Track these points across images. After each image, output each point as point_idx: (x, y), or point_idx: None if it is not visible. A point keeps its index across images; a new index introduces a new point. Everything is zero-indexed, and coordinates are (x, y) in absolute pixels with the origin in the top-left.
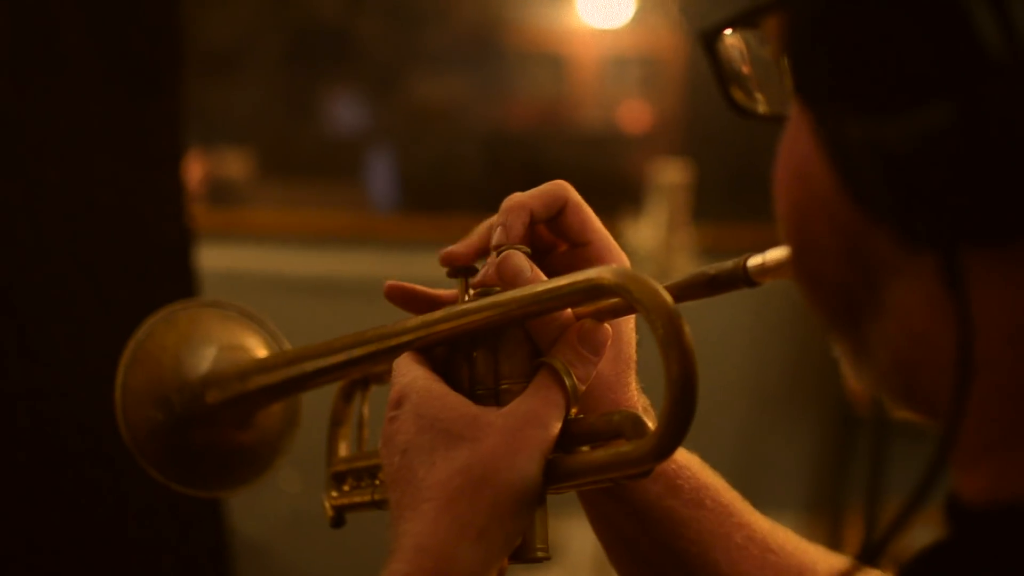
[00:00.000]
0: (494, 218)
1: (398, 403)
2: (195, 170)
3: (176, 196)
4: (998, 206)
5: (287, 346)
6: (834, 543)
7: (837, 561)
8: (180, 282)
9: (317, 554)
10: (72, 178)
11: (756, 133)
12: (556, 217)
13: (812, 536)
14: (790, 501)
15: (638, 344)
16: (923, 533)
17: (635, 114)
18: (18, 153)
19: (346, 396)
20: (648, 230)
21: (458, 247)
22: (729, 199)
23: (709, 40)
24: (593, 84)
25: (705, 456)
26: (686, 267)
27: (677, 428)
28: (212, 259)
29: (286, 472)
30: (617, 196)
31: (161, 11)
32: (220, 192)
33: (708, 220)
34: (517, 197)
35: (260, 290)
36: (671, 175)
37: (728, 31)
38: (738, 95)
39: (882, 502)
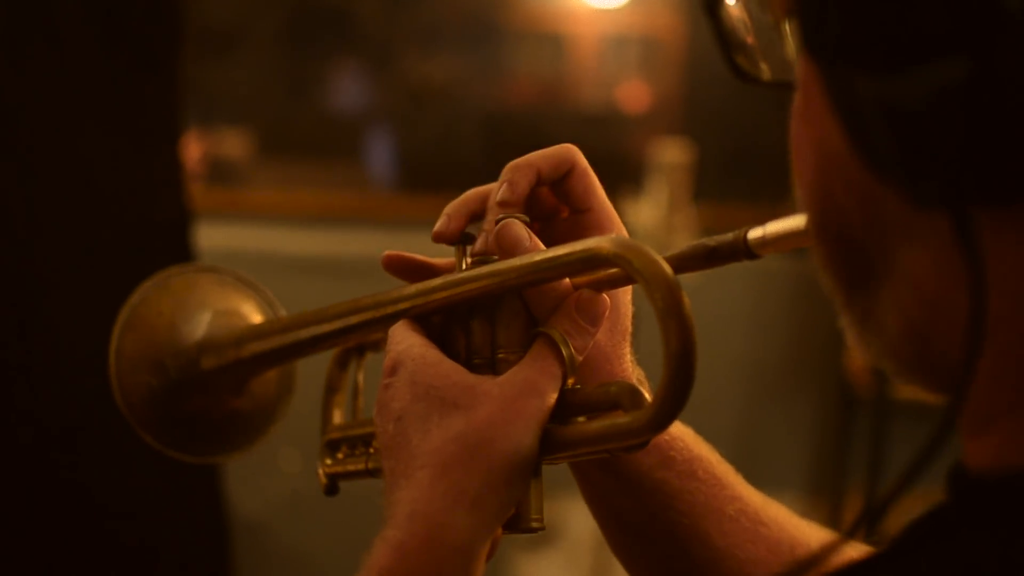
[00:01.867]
0: (483, 187)
1: (393, 370)
2: (193, 150)
3: (174, 175)
4: (1010, 164)
5: (283, 312)
6: (834, 524)
7: (830, 537)
8: (178, 261)
9: (316, 534)
10: (70, 157)
11: (755, 113)
12: (561, 180)
13: (812, 518)
14: (790, 482)
15: (633, 316)
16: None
17: (634, 94)
18: (17, 133)
19: (341, 363)
20: (648, 209)
21: (446, 224)
22: (728, 179)
23: (712, 5)
24: (593, 64)
25: (705, 437)
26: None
27: (675, 399)
28: (211, 238)
29: (286, 452)
30: (617, 175)
31: None
32: (219, 171)
33: (707, 200)
34: (525, 157)
35: (259, 269)
36: (671, 155)
37: None
38: (742, 61)
39: (882, 483)
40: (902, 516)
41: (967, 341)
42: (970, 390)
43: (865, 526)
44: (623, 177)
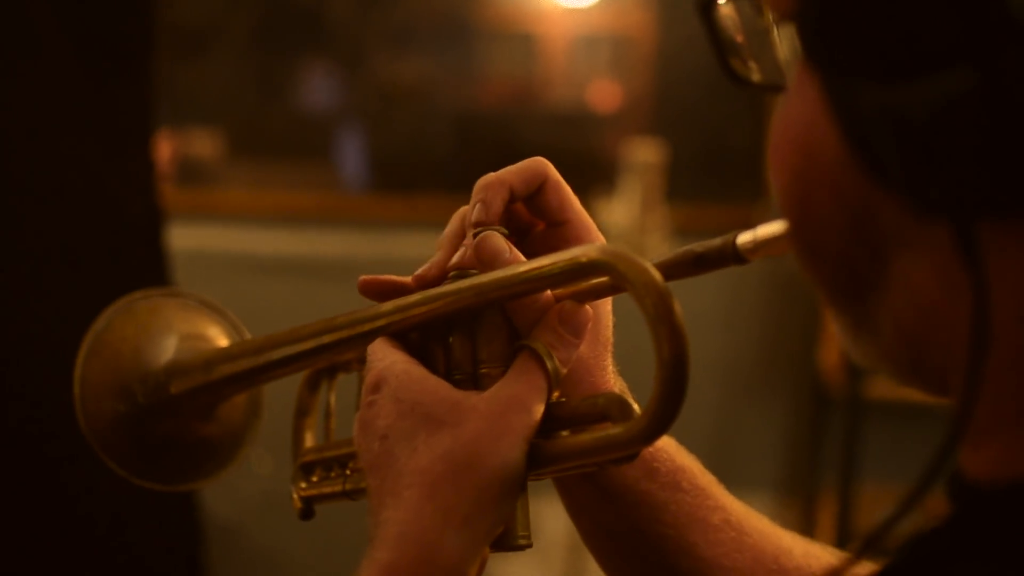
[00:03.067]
0: (463, 212)
1: (376, 387)
2: (164, 150)
3: (147, 176)
4: (1016, 175)
5: (248, 336)
6: (807, 524)
7: (812, 547)
8: (151, 262)
9: (289, 536)
10: (43, 158)
11: (727, 113)
12: (534, 195)
13: (785, 517)
14: (763, 482)
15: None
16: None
17: (605, 93)
18: None
19: (311, 385)
20: (621, 210)
21: (429, 269)
22: (700, 178)
23: (706, 7)
24: (563, 63)
25: (678, 438)
26: (660, 247)
27: (668, 410)
28: (182, 239)
29: (258, 454)
30: (589, 175)
31: None
32: (189, 172)
33: (678, 200)
34: (496, 174)
35: (230, 271)
36: (644, 154)
37: None
38: (736, 64)
39: (855, 483)
40: (877, 515)
41: (970, 355)
42: (976, 402)
43: (873, 541)
44: (595, 177)
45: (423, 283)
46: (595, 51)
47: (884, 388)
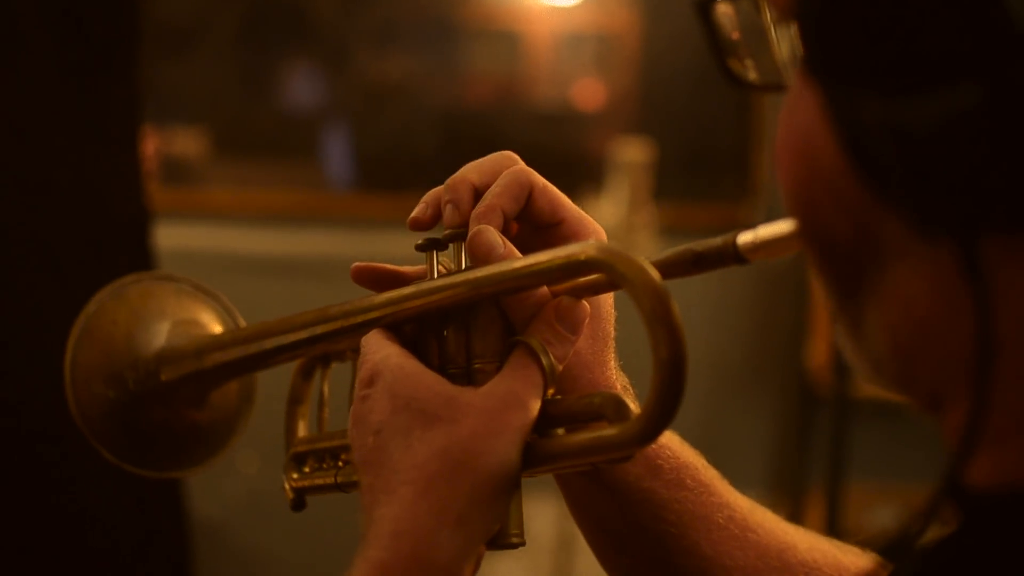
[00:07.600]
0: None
1: (370, 381)
2: (147, 149)
3: (133, 175)
4: (1018, 191)
5: (242, 322)
6: (795, 523)
7: (816, 541)
8: (138, 261)
9: (274, 535)
10: (28, 157)
11: (712, 111)
12: (525, 205)
13: None
14: (751, 481)
15: (616, 321)
16: (884, 512)
17: (590, 92)
18: None
19: (305, 374)
20: (609, 209)
21: (423, 211)
22: (685, 177)
23: (704, 6)
24: (548, 61)
25: None
26: (648, 246)
27: (664, 411)
28: (165, 239)
29: (243, 453)
30: (574, 174)
31: None
32: (173, 171)
33: (665, 198)
34: (485, 200)
35: (215, 270)
36: (632, 153)
37: None
38: (734, 65)
39: (843, 482)
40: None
41: (976, 370)
42: (987, 418)
43: (898, 550)
44: (581, 176)
45: (418, 225)
46: (580, 49)
47: (872, 387)
